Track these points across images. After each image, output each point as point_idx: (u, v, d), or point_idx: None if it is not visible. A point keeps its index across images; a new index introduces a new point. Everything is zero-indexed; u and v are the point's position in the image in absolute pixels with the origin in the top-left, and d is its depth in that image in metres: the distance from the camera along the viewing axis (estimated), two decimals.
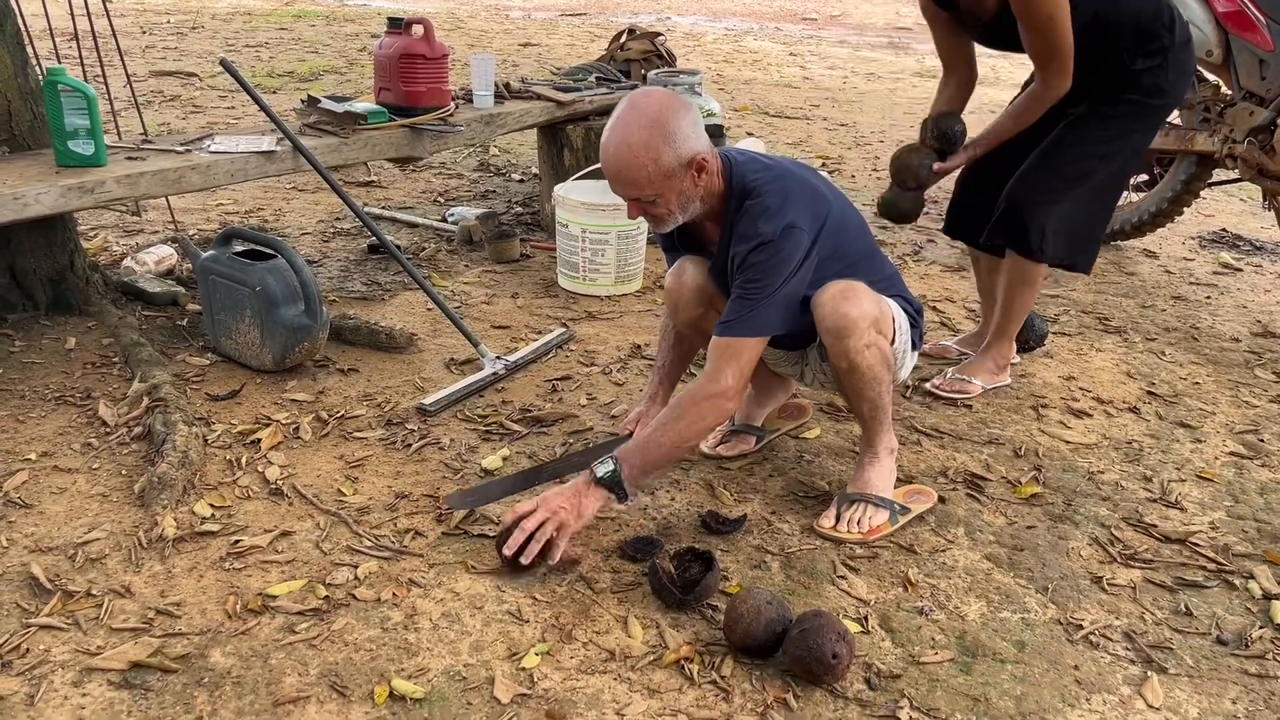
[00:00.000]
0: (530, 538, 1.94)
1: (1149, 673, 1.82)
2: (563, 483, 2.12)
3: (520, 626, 1.87)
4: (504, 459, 2.46)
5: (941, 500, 2.34)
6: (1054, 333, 3.38)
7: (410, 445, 2.50)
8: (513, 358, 2.95)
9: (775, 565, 2.09)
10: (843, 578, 2.05)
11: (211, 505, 2.20)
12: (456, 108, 3.59)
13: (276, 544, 2.10)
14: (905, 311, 2.24)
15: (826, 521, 2.20)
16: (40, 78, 2.86)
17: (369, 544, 2.10)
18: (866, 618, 1.92)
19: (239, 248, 2.91)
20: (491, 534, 2.13)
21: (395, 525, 2.17)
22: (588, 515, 2.00)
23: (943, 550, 2.16)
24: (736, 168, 2.04)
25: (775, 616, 1.78)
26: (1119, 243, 4.43)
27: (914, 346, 2.31)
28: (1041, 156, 2.68)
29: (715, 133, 4.40)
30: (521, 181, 5.20)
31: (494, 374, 2.86)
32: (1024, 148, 2.71)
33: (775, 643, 1.78)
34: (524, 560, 1.94)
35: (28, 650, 1.76)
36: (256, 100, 2.86)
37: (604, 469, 1.98)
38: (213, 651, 1.78)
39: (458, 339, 3.03)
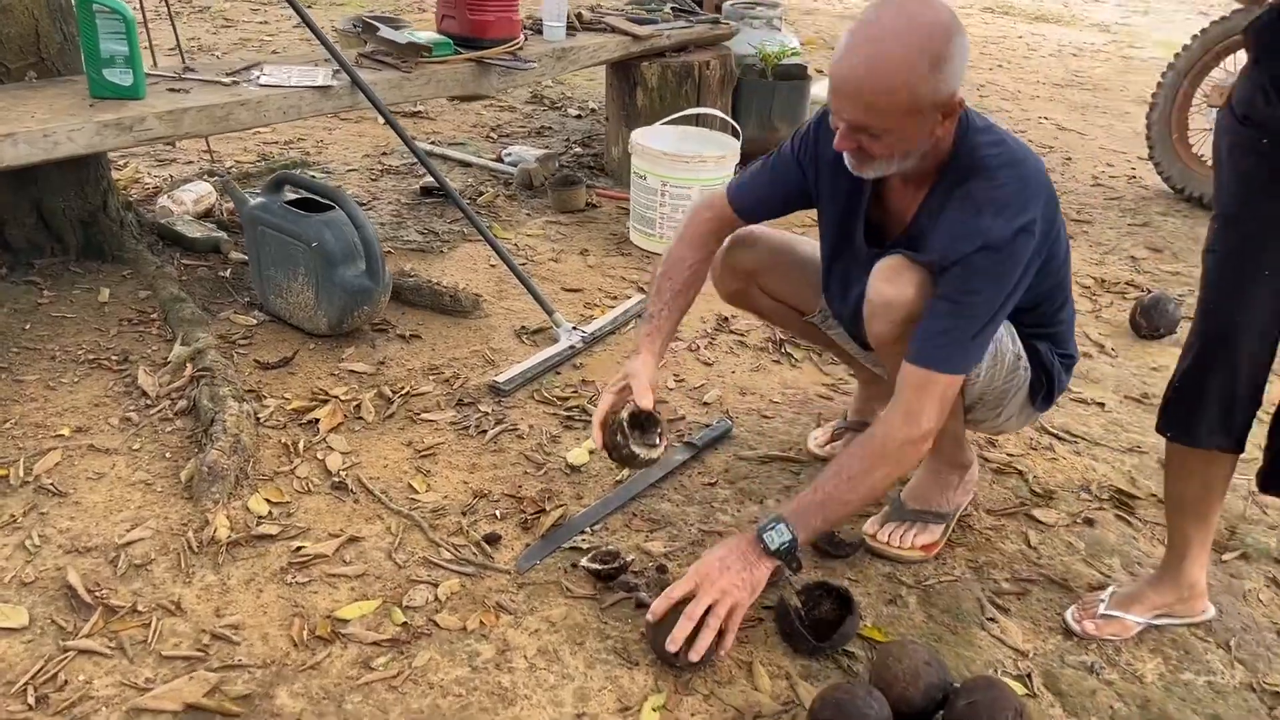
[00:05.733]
0: (698, 626, 1.57)
1: None
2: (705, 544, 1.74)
3: (629, 671, 1.62)
4: (591, 452, 2.18)
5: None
6: (1184, 318, 3.05)
7: (485, 431, 2.23)
8: (590, 329, 2.66)
9: (913, 601, 1.82)
10: (993, 620, 1.78)
11: (268, 501, 1.95)
12: (526, 39, 3.24)
13: (344, 552, 1.84)
14: (1040, 361, 1.82)
15: (871, 528, 1.95)
16: None
17: (448, 556, 1.85)
18: (1029, 676, 1.66)
19: (291, 195, 2.61)
20: (584, 548, 1.87)
21: (475, 530, 1.91)
22: (759, 590, 1.63)
23: (1100, 587, 1.89)
24: (971, 132, 1.61)
25: (935, 682, 1.52)
26: None
27: (1048, 398, 1.88)
28: None
29: (797, 73, 4.03)
30: (579, 118, 4.85)
31: (570, 347, 2.58)
32: None
33: (933, 710, 1.52)
34: (695, 657, 1.56)
35: (66, 682, 1.52)
36: (316, 33, 2.54)
37: (779, 540, 1.60)
38: (279, 690, 1.54)
39: (526, 301, 2.75)
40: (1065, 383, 1.90)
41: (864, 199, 1.75)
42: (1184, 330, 2.94)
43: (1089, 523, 2.07)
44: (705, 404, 2.42)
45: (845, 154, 1.60)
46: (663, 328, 1.89)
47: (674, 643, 1.55)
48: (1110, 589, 1.82)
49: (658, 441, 1.83)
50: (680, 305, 1.91)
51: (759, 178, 1.88)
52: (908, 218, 1.70)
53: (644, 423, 1.83)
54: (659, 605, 1.59)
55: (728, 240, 1.99)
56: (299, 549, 1.83)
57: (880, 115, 1.50)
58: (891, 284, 1.65)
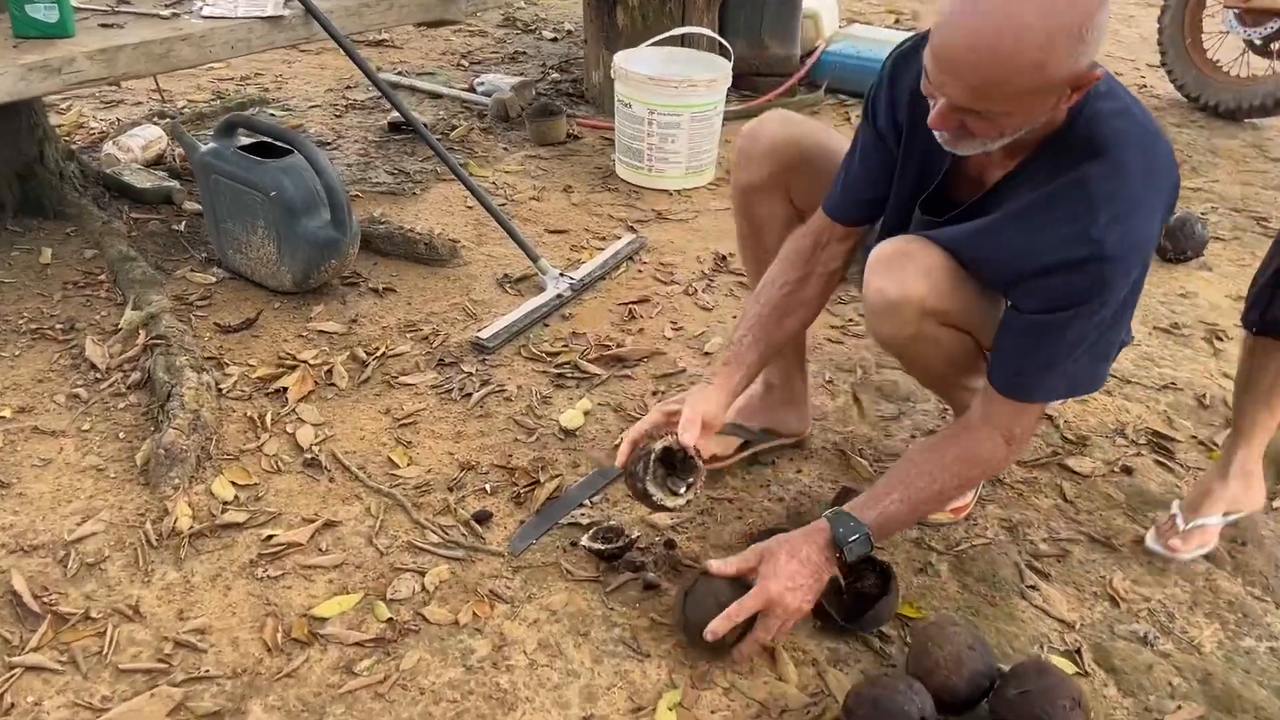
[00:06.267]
0: (748, 626, 1.41)
1: None
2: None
3: (640, 664, 1.47)
4: (586, 414, 2.01)
5: None
6: (1212, 238, 2.86)
7: (469, 395, 2.05)
8: (578, 274, 2.47)
9: (945, 569, 1.67)
10: (1033, 588, 1.63)
11: (234, 484, 1.77)
12: None
13: (319, 539, 1.67)
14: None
15: None
16: None
17: (435, 538, 1.68)
18: (1079, 651, 1.51)
19: (245, 140, 2.37)
20: (584, 524, 1.71)
21: (463, 508, 1.74)
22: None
23: (1143, 543, 1.74)
24: (1092, 97, 1.24)
25: (981, 669, 1.37)
26: (1256, 120, 3.86)
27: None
28: None
29: None
30: (555, 41, 4.56)
31: (558, 296, 2.38)
32: None
33: (978, 698, 1.38)
34: (740, 656, 1.45)
35: (12, 705, 1.36)
36: None
37: (859, 552, 1.40)
38: (251, 704, 1.38)
39: (508, 246, 2.54)
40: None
41: (945, 159, 1.38)
42: (1212, 252, 2.79)
43: (1127, 471, 1.92)
44: (706, 354, 2.24)
45: (938, 131, 1.26)
46: (744, 357, 1.57)
47: (712, 633, 1.39)
48: (1174, 503, 1.75)
49: (683, 491, 1.54)
50: (769, 332, 1.58)
51: (851, 175, 1.53)
52: (985, 185, 1.36)
53: (679, 463, 1.56)
54: (719, 625, 1.38)
55: (774, 114, 1.69)
56: (269, 538, 1.66)
57: (999, 100, 1.16)
58: (892, 279, 1.38)
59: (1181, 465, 1.94)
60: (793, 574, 1.40)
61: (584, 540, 1.65)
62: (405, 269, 2.51)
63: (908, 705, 1.29)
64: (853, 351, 2.27)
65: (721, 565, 1.45)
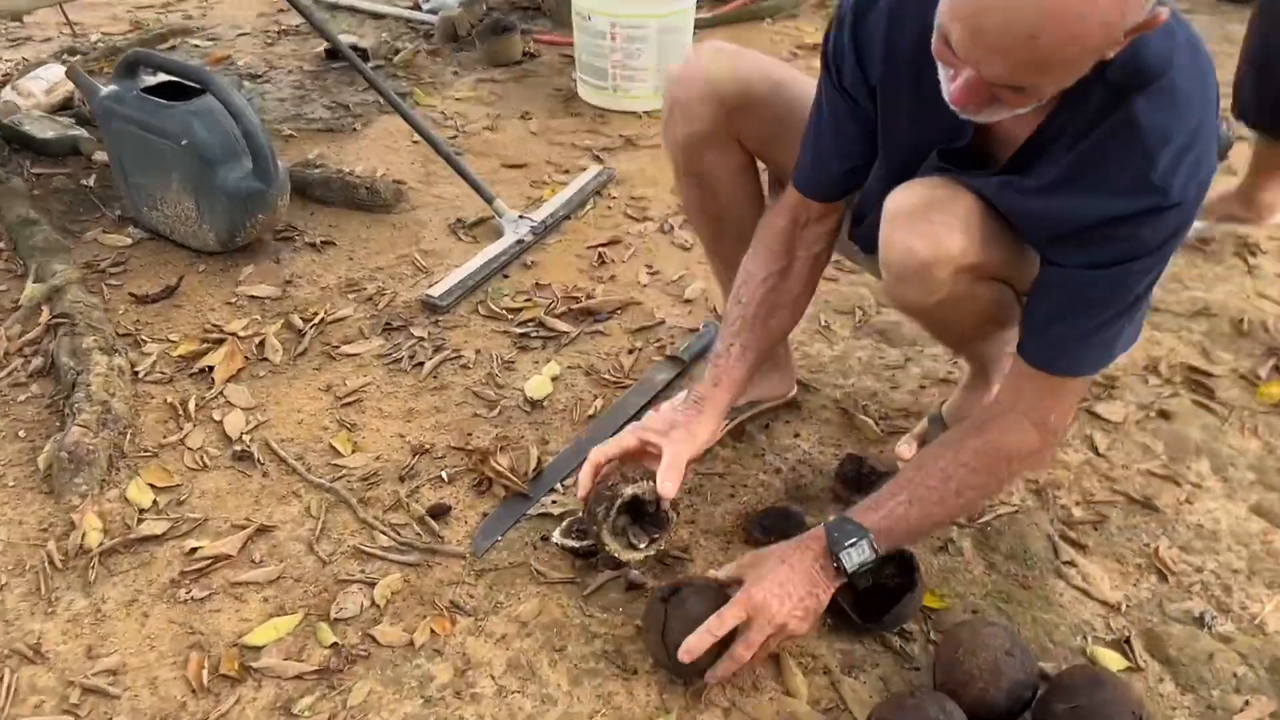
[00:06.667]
0: (727, 644, 1.19)
1: None
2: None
3: (626, 683, 1.27)
4: (554, 379, 1.78)
5: None
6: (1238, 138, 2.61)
7: (421, 364, 1.81)
8: (539, 215, 2.21)
9: (968, 546, 1.47)
10: (1070, 564, 1.43)
11: (152, 486, 1.54)
12: None
13: (252, 549, 1.45)
14: None
15: (906, 452, 1.58)
16: None
17: (385, 541, 1.46)
18: (1128, 640, 1.32)
19: (151, 79, 2.08)
20: (555, 514, 1.50)
21: (417, 502, 1.52)
22: (819, 615, 1.25)
23: (1190, 501, 1.54)
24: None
25: (1022, 678, 1.18)
26: None
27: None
28: None
29: None
30: None
31: (518, 242, 2.13)
32: None
33: (1019, 710, 1.19)
34: (713, 679, 1.22)
35: None
36: None
37: (857, 560, 1.18)
38: None
39: (460, 186, 2.28)
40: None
41: (968, 124, 1.11)
42: (1237, 153, 2.54)
43: (1164, 415, 1.71)
44: (687, 302, 2.00)
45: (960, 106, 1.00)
46: (733, 373, 1.35)
47: (687, 653, 1.18)
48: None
49: (643, 546, 1.33)
50: (757, 338, 1.36)
51: (822, 145, 1.28)
52: (1017, 139, 1.10)
53: (647, 513, 1.34)
54: (696, 643, 1.16)
55: (707, 47, 1.40)
56: (194, 551, 1.44)
57: (1043, 73, 0.92)
58: (922, 234, 1.14)
59: (1224, 405, 1.74)
60: (781, 580, 1.19)
61: (556, 536, 1.44)
62: (345, 218, 2.24)
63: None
64: (848, 290, 2.04)
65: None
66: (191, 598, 1.37)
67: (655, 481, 1.28)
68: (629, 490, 1.28)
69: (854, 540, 1.18)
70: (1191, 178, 1.01)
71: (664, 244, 2.20)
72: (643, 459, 1.33)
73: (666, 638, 1.20)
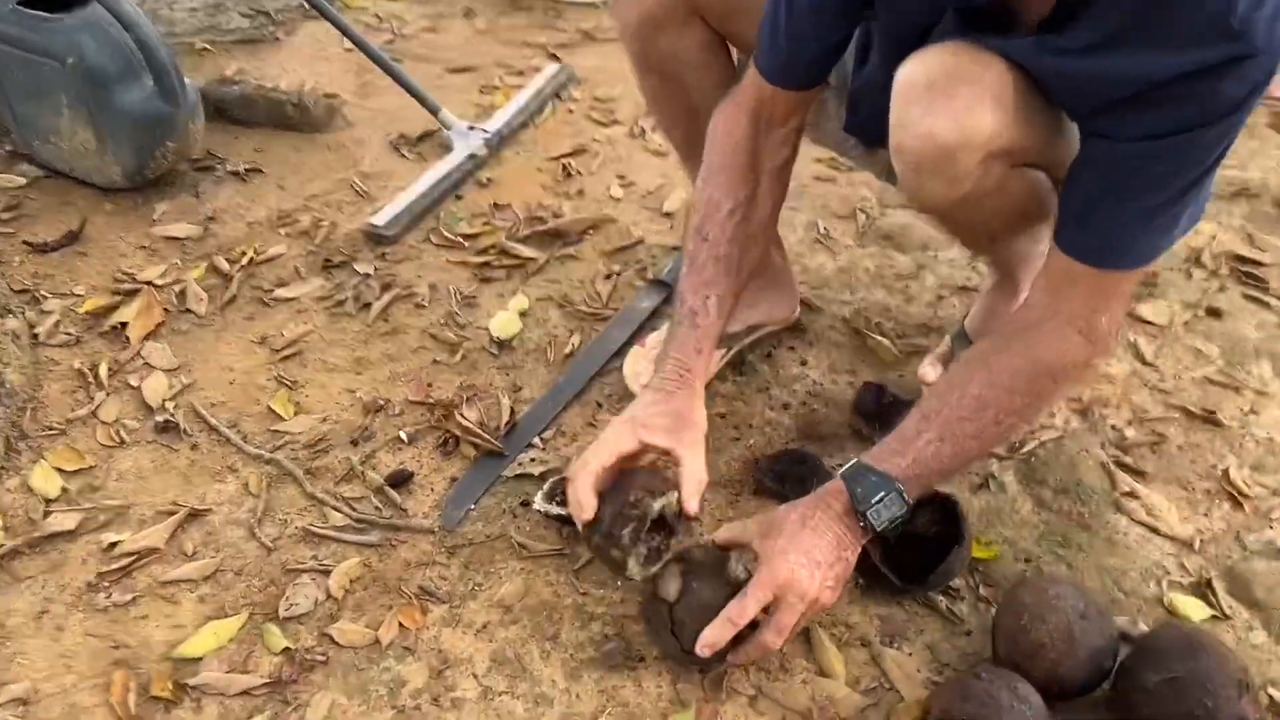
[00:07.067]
0: (747, 630, 1.01)
1: None
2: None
3: (632, 673, 1.09)
4: (522, 314, 1.56)
5: None
6: None
7: (368, 305, 1.58)
8: (493, 125, 1.96)
9: (1011, 480, 1.28)
10: (1130, 495, 1.25)
11: (60, 471, 1.32)
12: None
13: (183, 538, 1.24)
14: None
15: (930, 373, 1.36)
16: None
17: (339, 519, 1.26)
18: (1209, 584, 1.15)
19: None
20: (535, 474, 1.29)
21: (374, 469, 1.31)
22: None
23: (1255, 411, 1.36)
24: None
25: (1101, 644, 1.00)
26: None
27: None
28: None
29: None
30: None
31: (471, 156, 1.89)
32: None
33: (1098, 681, 1.01)
34: (734, 661, 1.04)
35: None
36: None
37: (887, 516, 0.99)
38: None
39: (401, 96, 2.01)
40: None
41: None
42: None
43: (1213, 313, 1.53)
44: (667, 215, 1.78)
45: None
46: (710, 331, 1.15)
47: (706, 646, 0.99)
48: None
49: (659, 557, 1.10)
50: (732, 281, 1.16)
51: (793, 15, 1.03)
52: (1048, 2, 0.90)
53: (668, 525, 1.11)
54: (716, 635, 0.97)
55: None
56: (113, 546, 1.23)
57: None
58: (944, 112, 0.94)
59: (1279, 297, 1.55)
60: (807, 549, 1.00)
61: (538, 501, 1.24)
62: (273, 140, 1.98)
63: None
64: (848, 190, 1.82)
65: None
66: (113, 603, 1.16)
67: (678, 492, 1.08)
68: (658, 504, 1.07)
69: (881, 494, 0.99)
70: (1278, 19, 0.81)
71: (636, 150, 1.97)
72: (641, 459, 1.13)
73: (678, 633, 1.01)
